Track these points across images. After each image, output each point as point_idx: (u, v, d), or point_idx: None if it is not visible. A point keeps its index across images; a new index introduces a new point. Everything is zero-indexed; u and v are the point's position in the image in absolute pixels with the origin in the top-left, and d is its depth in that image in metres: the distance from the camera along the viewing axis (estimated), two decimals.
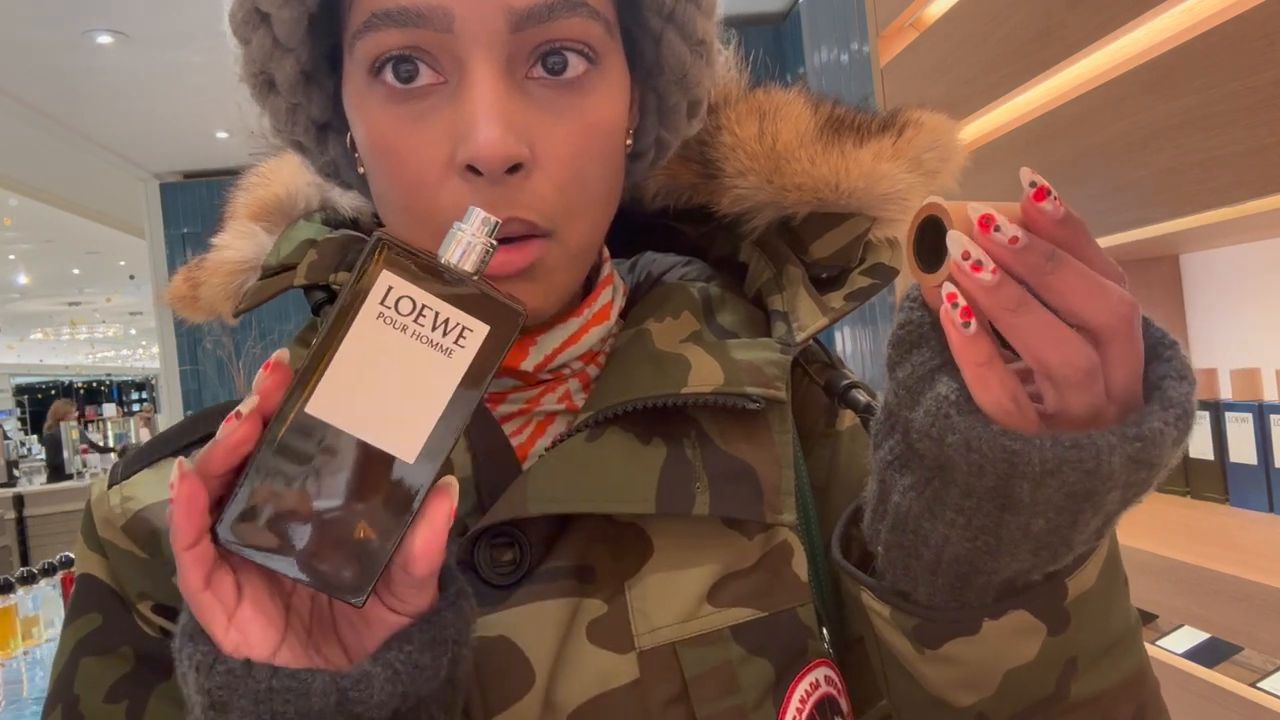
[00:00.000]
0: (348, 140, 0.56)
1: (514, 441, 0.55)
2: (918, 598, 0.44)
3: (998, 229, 0.36)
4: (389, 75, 0.48)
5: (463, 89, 0.47)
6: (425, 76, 0.48)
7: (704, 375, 0.53)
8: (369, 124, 0.49)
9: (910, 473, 0.42)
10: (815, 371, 0.61)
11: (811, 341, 0.60)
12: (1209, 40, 1.04)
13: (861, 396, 0.57)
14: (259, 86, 0.53)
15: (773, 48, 4.66)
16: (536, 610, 0.50)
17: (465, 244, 0.39)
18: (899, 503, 0.42)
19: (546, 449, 0.53)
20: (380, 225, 0.65)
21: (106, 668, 0.54)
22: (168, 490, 0.56)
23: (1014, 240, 0.36)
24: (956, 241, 0.36)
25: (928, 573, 0.42)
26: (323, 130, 0.56)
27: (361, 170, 0.55)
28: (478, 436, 0.53)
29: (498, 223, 0.40)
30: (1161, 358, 0.39)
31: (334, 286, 0.57)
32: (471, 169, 0.47)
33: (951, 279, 0.37)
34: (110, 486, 0.58)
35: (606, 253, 0.60)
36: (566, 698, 0.49)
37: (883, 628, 0.46)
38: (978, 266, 0.36)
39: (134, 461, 0.59)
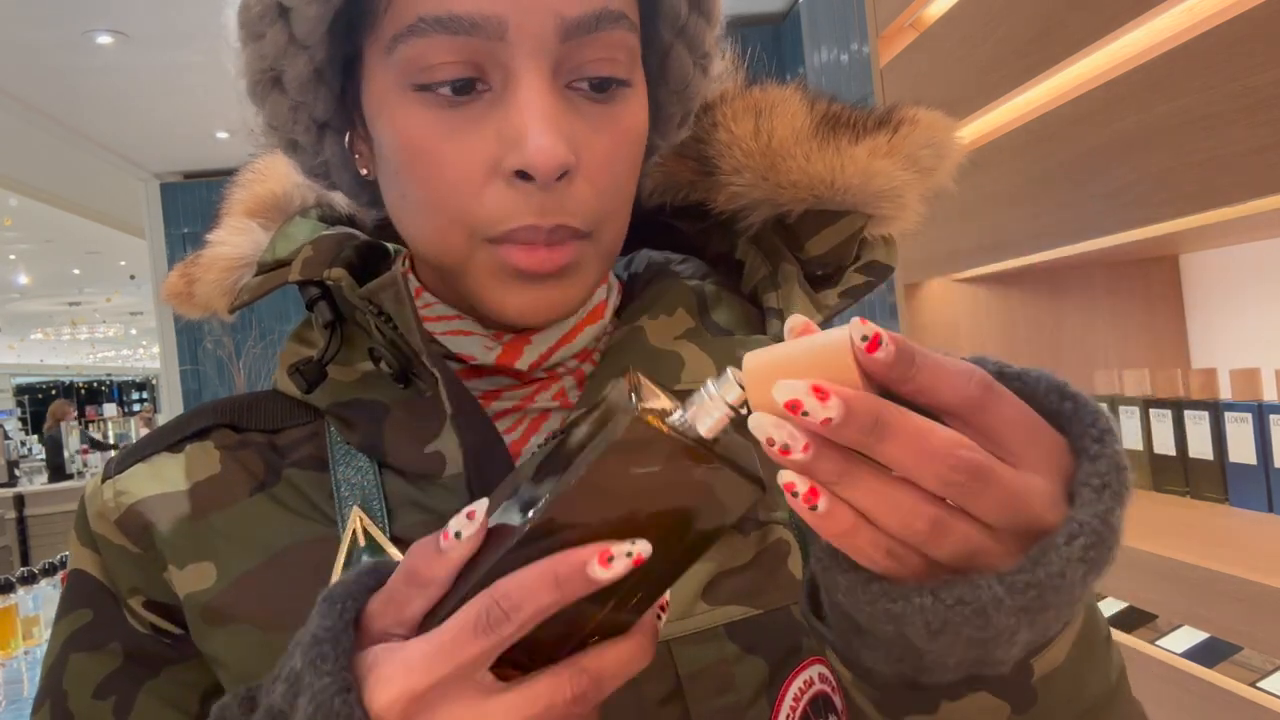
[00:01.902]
0: (346, 140, 0.55)
1: (507, 439, 0.55)
2: (876, 670, 0.41)
3: (805, 413, 0.33)
4: (444, 89, 0.48)
5: (509, 95, 0.48)
6: (476, 85, 0.48)
7: (698, 372, 0.53)
8: (404, 127, 0.49)
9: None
10: None
11: None
12: (1209, 40, 1.04)
13: None
14: (262, 83, 0.52)
15: (772, 48, 4.66)
16: None
17: (711, 412, 0.37)
18: (837, 601, 0.39)
19: (539, 445, 0.53)
20: (380, 228, 0.65)
21: (95, 663, 0.54)
22: (162, 484, 0.56)
23: (826, 422, 0.33)
24: (759, 428, 0.34)
25: (877, 660, 0.40)
26: (321, 129, 0.56)
27: (364, 172, 0.55)
28: (470, 434, 0.53)
29: (742, 392, 0.36)
30: (1088, 453, 0.35)
31: (328, 283, 0.56)
32: (521, 175, 0.47)
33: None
34: (104, 481, 0.57)
35: None
36: None
37: (848, 686, 0.44)
38: (785, 450, 0.33)
39: (128, 456, 0.59)
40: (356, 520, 0.53)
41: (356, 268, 0.58)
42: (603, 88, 0.50)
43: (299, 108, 0.53)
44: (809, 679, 0.52)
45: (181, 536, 0.55)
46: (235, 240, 0.63)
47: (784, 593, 0.54)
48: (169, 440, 0.58)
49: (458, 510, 0.52)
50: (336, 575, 0.52)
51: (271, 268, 0.60)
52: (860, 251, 0.59)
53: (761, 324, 0.59)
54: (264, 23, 0.49)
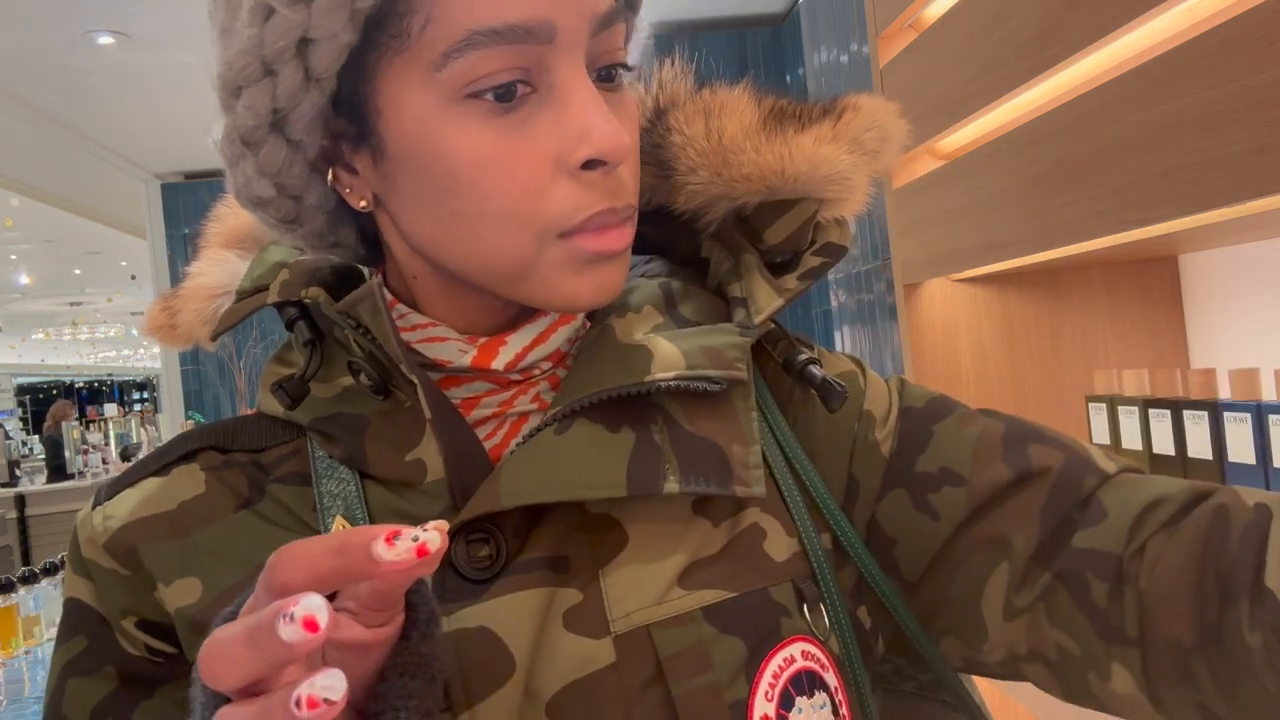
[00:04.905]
0: (329, 178, 0.55)
1: (488, 444, 0.57)
2: None
3: None
4: (496, 97, 0.49)
5: (558, 93, 0.50)
6: (519, 89, 0.50)
7: (666, 362, 0.55)
8: (463, 141, 0.49)
9: None
10: (778, 351, 0.63)
11: (773, 324, 0.62)
12: (1209, 40, 1.04)
13: (817, 371, 0.59)
14: (260, 131, 0.51)
15: (772, 48, 4.66)
16: (514, 601, 0.51)
17: None
18: None
19: (517, 445, 0.54)
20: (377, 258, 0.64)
21: (92, 687, 0.56)
22: (148, 507, 0.57)
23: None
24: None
25: None
26: (312, 168, 0.55)
27: (364, 203, 0.55)
28: (450, 440, 0.54)
29: None
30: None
31: (306, 302, 0.57)
32: (591, 165, 0.50)
33: None
34: (94, 508, 0.59)
35: None
36: (545, 685, 0.50)
37: None
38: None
39: (117, 483, 0.60)
40: (339, 528, 0.54)
41: (333, 288, 0.59)
42: (611, 77, 0.53)
43: (298, 146, 0.53)
44: (789, 656, 0.53)
45: (166, 555, 0.56)
46: (213, 271, 0.65)
47: (759, 576, 0.55)
48: (155, 465, 0.60)
49: (441, 513, 0.54)
50: None
51: (249, 294, 0.61)
52: (815, 235, 0.62)
53: (728, 314, 0.62)
54: (280, 60, 0.48)
